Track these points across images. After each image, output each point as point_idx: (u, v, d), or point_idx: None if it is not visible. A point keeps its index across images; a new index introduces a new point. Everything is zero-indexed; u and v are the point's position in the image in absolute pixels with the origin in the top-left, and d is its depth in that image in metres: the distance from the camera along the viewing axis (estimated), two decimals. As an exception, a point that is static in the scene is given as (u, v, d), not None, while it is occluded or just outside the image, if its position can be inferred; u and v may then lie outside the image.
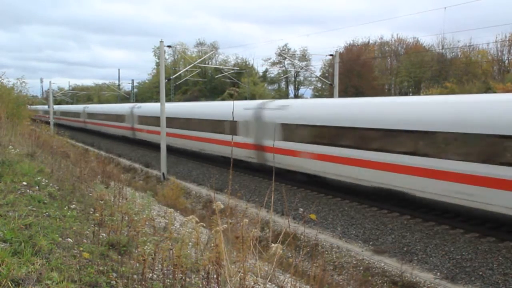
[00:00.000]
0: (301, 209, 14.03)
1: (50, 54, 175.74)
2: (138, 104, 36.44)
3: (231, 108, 21.49)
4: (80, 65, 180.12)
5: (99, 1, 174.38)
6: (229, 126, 20.99)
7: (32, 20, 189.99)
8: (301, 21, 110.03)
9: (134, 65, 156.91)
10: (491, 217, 11.90)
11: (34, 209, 5.13)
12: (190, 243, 4.33)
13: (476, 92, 30.60)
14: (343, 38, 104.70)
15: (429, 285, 9.36)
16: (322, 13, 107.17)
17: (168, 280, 3.81)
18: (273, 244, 3.19)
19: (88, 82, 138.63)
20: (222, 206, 3.49)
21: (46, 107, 68.07)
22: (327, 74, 55.51)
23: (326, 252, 11.60)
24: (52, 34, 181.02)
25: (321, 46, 78.95)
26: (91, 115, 48.24)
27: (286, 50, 61.47)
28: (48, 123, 56.29)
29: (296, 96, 64.43)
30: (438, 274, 9.94)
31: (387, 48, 58.70)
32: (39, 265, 3.37)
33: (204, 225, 3.98)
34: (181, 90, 65.33)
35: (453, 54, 50.40)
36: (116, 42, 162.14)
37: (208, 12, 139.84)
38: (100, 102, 76.43)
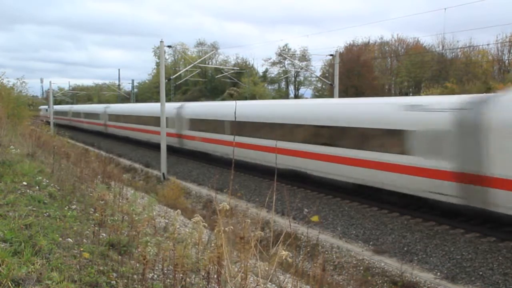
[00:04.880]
0: (306, 210, 14.07)
1: (47, 54, 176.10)
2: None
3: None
4: (78, 65, 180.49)
5: (92, 1, 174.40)
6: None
7: (26, 19, 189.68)
8: (297, 21, 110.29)
9: (132, 65, 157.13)
10: (491, 217, 11.90)
11: (34, 209, 5.12)
12: (191, 244, 4.33)
13: (476, 92, 30.57)
14: (341, 39, 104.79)
15: (429, 285, 9.36)
16: (317, 13, 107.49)
17: (169, 280, 3.81)
18: (283, 252, 3.19)
19: (87, 82, 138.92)
20: (228, 207, 3.48)
21: (90, 107, 55.77)
22: (327, 74, 55.45)
23: (326, 252, 11.60)
24: (47, 34, 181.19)
25: (320, 46, 79.30)
26: (200, 123, 24.96)
27: (286, 50, 61.45)
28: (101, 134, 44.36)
29: (296, 96, 64.41)
30: (438, 274, 9.94)
31: (387, 48, 58.63)
32: (39, 265, 3.37)
33: (206, 225, 3.98)
34: (181, 90, 65.33)
35: (453, 54, 50.36)
36: (112, 42, 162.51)
37: (203, 12, 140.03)
38: (100, 102, 76.15)
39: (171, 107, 28.26)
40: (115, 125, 40.37)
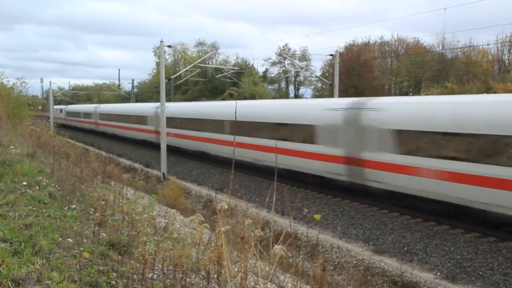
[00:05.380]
0: (306, 210, 14.07)
1: (47, 54, 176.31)
2: None
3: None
4: (78, 65, 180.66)
5: (92, 1, 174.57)
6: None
7: (26, 19, 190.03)
8: (297, 21, 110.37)
9: (132, 65, 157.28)
10: (491, 217, 11.90)
11: (34, 209, 5.12)
12: (191, 244, 4.33)
13: (476, 92, 30.61)
14: (341, 39, 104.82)
15: (429, 285, 9.36)
16: (317, 13, 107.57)
17: (169, 280, 3.81)
18: (276, 246, 3.19)
19: (87, 82, 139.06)
20: (226, 206, 3.49)
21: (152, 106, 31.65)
22: (327, 74, 55.45)
23: (326, 252, 11.60)
24: (47, 34, 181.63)
25: (320, 46, 79.21)
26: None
27: (286, 50, 61.46)
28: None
29: (296, 96, 64.42)
30: (438, 274, 9.94)
31: (387, 48, 58.64)
32: (39, 265, 3.37)
33: (208, 225, 3.98)
34: (181, 90, 65.34)
35: (453, 54, 50.37)
36: (112, 42, 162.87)
37: (202, 12, 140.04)
38: (100, 102, 76.04)
39: (321, 106, 16.54)
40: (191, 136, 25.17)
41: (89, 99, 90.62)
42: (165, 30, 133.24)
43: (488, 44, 47.35)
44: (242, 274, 3.33)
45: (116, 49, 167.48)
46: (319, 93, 60.88)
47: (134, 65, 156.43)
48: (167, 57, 70.11)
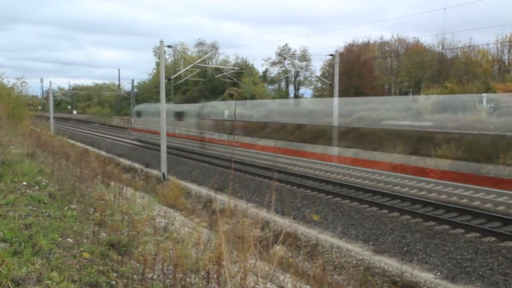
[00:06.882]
0: (307, 210, 14.11)
1: (45, 54, 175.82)
2: None
3: None
4: (76, 65, 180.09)
5: (89, 0, 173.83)
6: None
7: (23, 19, 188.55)
8: (296, 21, 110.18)
9: (130, 65, 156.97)
10: (491, 217, 11.91)
11: (34, 209, 5.12)
12: (190, 243, 4.33)
13: (476, 92, 30.65)
14: (340, 39, 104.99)
15: (429, 285, 9.36)
16: (317, 13, 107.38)
17: (168, 280, 3.81)
18: (277, 247, 3.20)
19: (87, 82, 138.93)
20: (233, 207, 3.49)
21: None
22: (327, 74, 55.42)
23: (326, 252, 11.60)
24: (44, 34, 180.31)
25: (320, 46, 79.13)
26: None
27: (287, 50, 61.45)
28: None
29: (296, 96, 64.43)
30: (438, 274, 9.94)
31: (387, 48, 58.58)
32: (39, 265, 3.37)
33: (207, 220, 3.98)
34: (181, 90, 65.33)
35: (453, 54, 50.34)
36: (110, 42, 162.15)
37: (200, 12, 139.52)
38: (101, 102, 75.91)
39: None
40: None
41: (89, 99, 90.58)
42: (164, 30, 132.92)
43: (488, 44, 47.31)
44: (242, 274, 3.34)
45: (114, 49, 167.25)
46: (319, 93, 60.84)
47: (133, 65, 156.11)
48: (167, 57, 70.14)
